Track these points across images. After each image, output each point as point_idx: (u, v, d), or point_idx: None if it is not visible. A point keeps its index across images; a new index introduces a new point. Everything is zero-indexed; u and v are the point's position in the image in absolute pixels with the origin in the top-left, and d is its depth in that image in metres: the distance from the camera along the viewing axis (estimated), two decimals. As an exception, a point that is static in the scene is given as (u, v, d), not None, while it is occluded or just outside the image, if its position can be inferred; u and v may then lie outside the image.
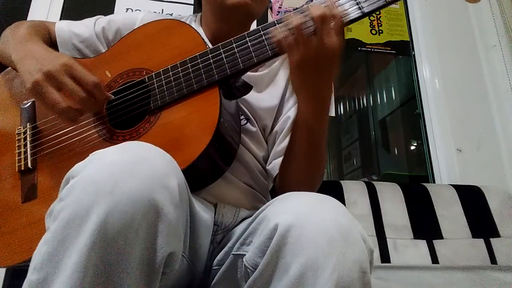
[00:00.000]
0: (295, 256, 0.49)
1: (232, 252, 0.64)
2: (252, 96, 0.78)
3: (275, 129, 0.87)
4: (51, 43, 0.87)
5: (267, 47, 0.69)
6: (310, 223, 0.50)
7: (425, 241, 1.38)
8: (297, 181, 0.78)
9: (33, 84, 0.67)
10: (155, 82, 0.73)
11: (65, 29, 0.89)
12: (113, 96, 0.73)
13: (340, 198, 1.36)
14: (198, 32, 0.76)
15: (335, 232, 0.50)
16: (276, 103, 0.87)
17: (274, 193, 0.86)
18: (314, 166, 0.77)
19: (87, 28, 0.90)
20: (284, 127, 0.85)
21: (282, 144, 0.84)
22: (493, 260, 1.36)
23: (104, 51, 0.86)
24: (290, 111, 0.86)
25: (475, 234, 1.41)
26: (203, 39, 0.75)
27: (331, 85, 0.68)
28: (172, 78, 0.72)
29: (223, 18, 0.85)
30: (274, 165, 0.84)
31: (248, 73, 0.75)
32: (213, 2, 0.85)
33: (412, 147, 2.06)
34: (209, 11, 0.88)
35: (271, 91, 0.88)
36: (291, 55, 0.65)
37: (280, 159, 0.83)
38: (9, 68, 0.85)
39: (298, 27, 0.63)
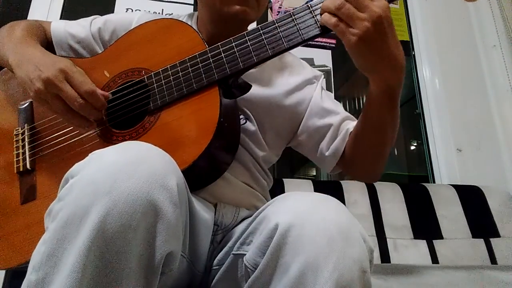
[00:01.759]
0: (295, 255, 0.49)
1: (232, 252, 0.63)
2: (251, 92, 0.78)
3: (300, 121, 0.87)
4: (47, 43, 0.86)
5: (267, 46, 0.68)
6: (310, 222, 0.50)
7: (425, 241, 1.38)
8: (378, 149, 0.79)
9: (36, 92, 0.68)
10: (154, 82, 0.73)
11: (60, 29, 0.89)
12: (110, 95, 0.73)
13: (340, 198, 1.36)
14: (197, 32, 0.75)
15: (335, 232, 0.50)
16: (278, 93, 0.85)
17: (274, 193, 0.86)
18: (394, 128, 0.77)
19: (83, 28, 0.89)
20: (317, 112, 0.87)
21: (331, 124, 0.85)
22: (493, 260, 1.36)
23: (100, 51, 0.86)
24: (314, 98, 0.88)
25: (475, 234, 1.41)
26: (203, 39, 0.74)
27: (397, 40, 0.64)
28: (171, 78, 0.72)
29: (221, 24, 0.85)
30: (336, 146, 0.84)
31: None
32: (211, 7, 0.84)
33: (412, 147, 2.06)
34: (206, 15, 0.88)
35: (270, 83, 0.87)
36: (349, 33, 0.61)
37: (340, 138, 0.84)
38: (5, 68, 0.84)
39: (344, 6, 0.61)
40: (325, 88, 0.94)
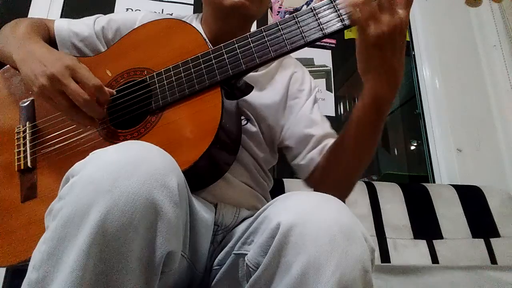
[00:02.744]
0: (297, 254, 0.49)
1: (234, 252, 0.63)
2: (252, 95, 0.79)
3: (287, 127, 0.87)
4: (50, 41, 0.87)
5: (270, 48, 0.68)
6: (312, 222, 0.50)
7: (425, 241, 1.38)
8: (352, 167, 0.78)
9: (40, 88, 0.68)
10: (156, 82, 0.73)
11: (64, 27, 0.89)
12: (114, 92, 0.73)
13: (340, 198, 1.35)
14: (200, 32, 0.76)
15: (337, 231, 0.50)
16: (277, 100, 0.87)
17: (274, 193, 0.86)
18: (372, 150, 0.77)
19: (86, 27, 0.90)
20: (303, 121, 0.86)
21: (313, 135, 0.85)
22: (493, 260, 1.36)
23: (103, 50, 0.86)
24: (304, 107, 0.88)
25: (475, 234, 1.41)
26: (205, 40, 0.75)
27: (403, 57, 0.65)
28: (173, 78, 0.72)
29: (222, 19, 0.86)
30: (312, 156, 0.84)
31: None
32: (211, 3, 0.85)
33: (412, 147, 2.06)
34: (208, 12, 0.89)
35: (272, 89, 0.88)
36: (366, 33, 0.61)
37: (317, 150, 0.83)
38: (7, 66, 0.85)
39: (371, 3, 0.61)
40: (318, 102, 0.94)
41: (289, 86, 0.90)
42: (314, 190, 0.85)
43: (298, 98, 0.90)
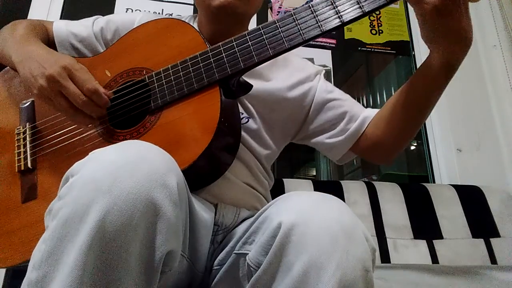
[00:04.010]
0: (298, 254, 0.49)
1: (234, 251, 0.63)
2: (258, 87, 0.79)
3: (303, 113, 0.89)
4: (49, 42, 0.87)
5: (268, 46, 0.68)
6: (313, 221, 0.50)
7: (425, 241, 1.37)
8: (411, 128, 0.81)
9: (39, 90, 0.69)
10: (155, 82, 0.73)
11: (63, 28, 0.89)
12: (112, 94, 0.73)
13: (340, 198, 1.33)
14: (198, 32, 0.76)
15: (338, 231, 0.50)
16: (284, 86, 0.87)
17: (274, 193, 0.86)
18: (428, 115, 0.80)
19: (85, 27, 0.90)
20: (325, 102, 0.89)
21: (345, 112, 0.88)
22: (493, 260, 1.36)
23: (102, 51, 0.86)
24: (318, 91, 0.90)
25: (475, 234, 1.41)
26: (204, 39, 0.75)
27: (470, 18, 0.65)
28: (172, 77, 0.72)
29: (214, 20, 0.86)
30: (354, 130, 0.86)
31: None
32: (201, 4, 0.85)
33: (412, 147, 2.06)
34: (201, 14, 0.89)
35: (276, 77, 0.88)
36: (424, 3, 0.61)
37: (358, 123, 0.86)
38: (7, 67, 0.85)
39: None
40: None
41: (292, 73, 0.90)
42: (362, 156, 0.90)
43: (306, 83, 0.90)
